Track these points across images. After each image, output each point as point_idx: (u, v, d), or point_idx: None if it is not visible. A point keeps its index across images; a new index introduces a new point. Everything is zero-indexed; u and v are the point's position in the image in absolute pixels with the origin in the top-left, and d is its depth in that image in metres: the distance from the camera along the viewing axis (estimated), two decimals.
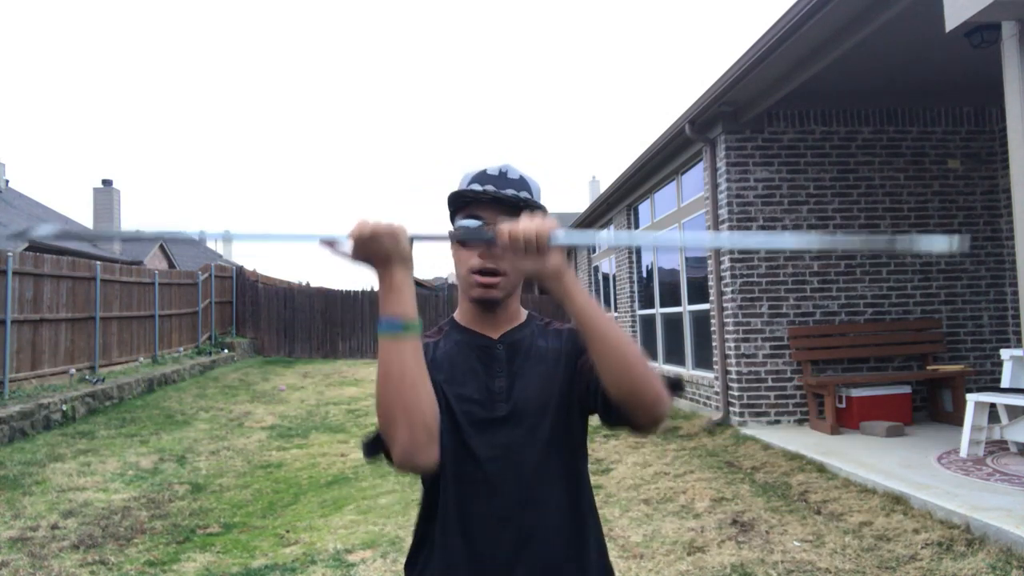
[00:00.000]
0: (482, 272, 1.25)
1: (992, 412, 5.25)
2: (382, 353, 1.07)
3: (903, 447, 5.59)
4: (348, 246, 1.07)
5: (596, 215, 13.42)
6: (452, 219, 1.33)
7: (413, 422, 1.06)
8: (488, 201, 1.26)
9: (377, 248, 1.06)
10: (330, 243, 1.07)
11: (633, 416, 1.16)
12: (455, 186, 1.33)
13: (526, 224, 1.06)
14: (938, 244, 1.00)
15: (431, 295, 20.53)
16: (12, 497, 5.49)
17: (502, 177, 1.28)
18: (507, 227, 1.07)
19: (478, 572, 1.22)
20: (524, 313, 1.39)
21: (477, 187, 1.27)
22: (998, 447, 5.26)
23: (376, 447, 1.15)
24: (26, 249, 14.77)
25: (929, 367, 6.82)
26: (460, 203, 1.30)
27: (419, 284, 29.03)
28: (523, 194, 1.28)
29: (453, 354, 1.31)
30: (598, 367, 1.13)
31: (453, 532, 1.24)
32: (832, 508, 4.25)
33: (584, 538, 1.28)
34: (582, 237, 1.17)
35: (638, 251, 11.07)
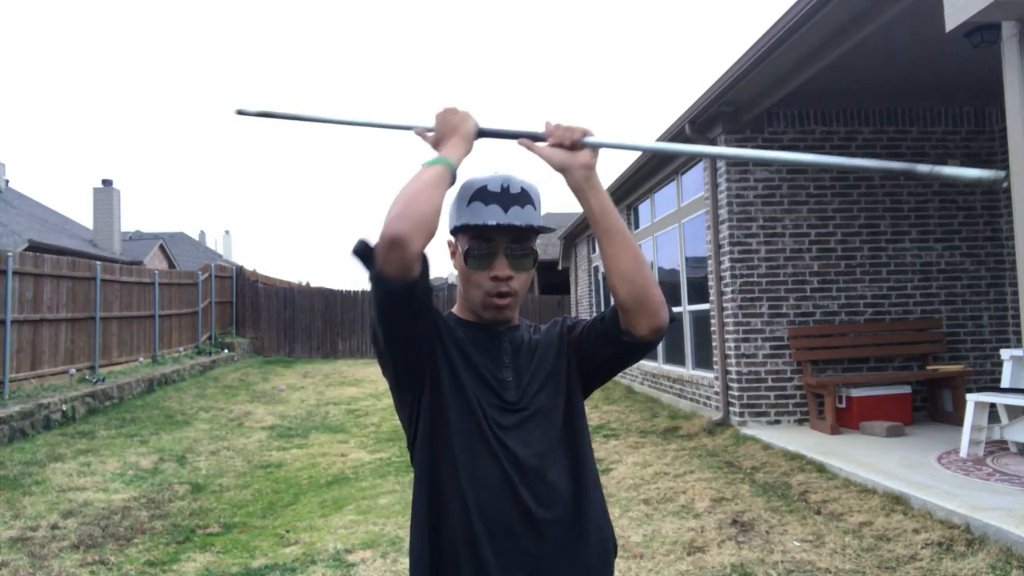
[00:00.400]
0: (499, 295, 1.33)
1: (992, 412, 5.25)
2: (416, 173, 1.22)
3: (903, 447, 5.59)
4: (432, 122, 1.31)
5: None
6: (455, 235, 1.39)
7: (420, 219, 1.15)
8: (495, 226, 1.32)
9: (450, 118, 1.30)
10: (420, 132, 1.34)
11: (638, 324, 1.28)
12: (455, 196, 1.37)
13: (568, 125, 1.26)
14: (968, 173, 0.95)
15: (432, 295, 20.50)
16: (12, 497, 5.49)
17: (504, 194, 1.33)
18: (554, 124, 1.27)
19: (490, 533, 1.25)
20: (517, 318, 1.47)
21: (486, 215, 1.31)
22: (998, 447, 5.26)
23: (368, 251, 1.20)
24: (26, 249, 14.78)
25: (929, 367, 6.82)
26: (471, 198, 1.34)
27: None
28: (530, 218, 1.34)
29: (461, 338, 1.37)
30: (612, 270, 1.27)
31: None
32: (832, 508, 4.25)
33: (586, 517, 1.33)
34: (613, 141, 1.31)
35: None
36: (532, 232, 1.35)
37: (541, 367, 1.37)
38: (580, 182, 1.26)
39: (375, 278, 1.18)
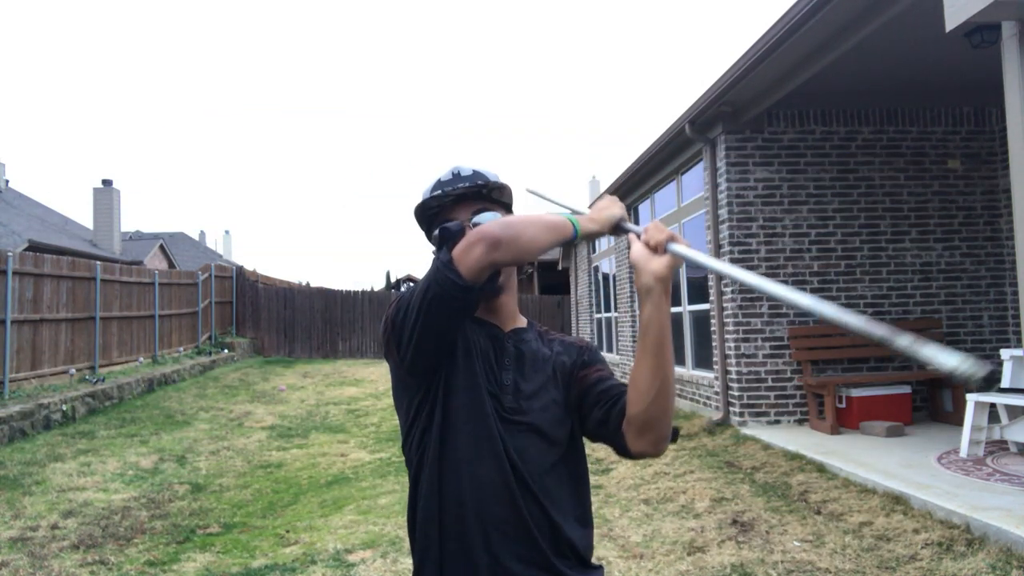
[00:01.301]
0: None
1: (992, 412, 5.25)
2: (548, 214, 1.26)
3: (903, 447, 5.59)
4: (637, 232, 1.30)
5: None
6: (428, 232, 1.39)
7: (520, 238, 1.19)
8: (453, 203, 1.33)
9: (601, 204, 1.35)
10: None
11: (634, 441, 1.24)
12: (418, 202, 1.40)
13: (660, 227, 1.25)
14: (946, 361, 0.89)
15: None
16: (12, 497, 5.49)
17: (456, 178, 1.35)
18: (651, 226, 1.26)
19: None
20: (524, 318, 1.43)
21: (438, 194, 1.34)
22: (998, 447, 5.26)
23: (457, 235, 1.21)
24: (26, 249, 14.78)
25: (929, 367, 6.81)
26: (430, 216, 1.36)
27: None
28: (479, 181, 1.34)
29: (472, 335, 1.33)
30: (635, 383, 1.22)
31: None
32: (832, 508, 4.25)
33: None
34: (695, 256, 1.28)
35: None
36: (486, 191, 1.34)
37: (546, 390, 1.32)
38: (645, 287, 1.24)
39: (446, 263, 1.16)
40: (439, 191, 1.34)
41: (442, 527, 1.25)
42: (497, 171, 1.41)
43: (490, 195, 1.35)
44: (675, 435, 1.28)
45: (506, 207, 1.40)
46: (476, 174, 1.36)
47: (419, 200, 1.36)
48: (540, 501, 1.24)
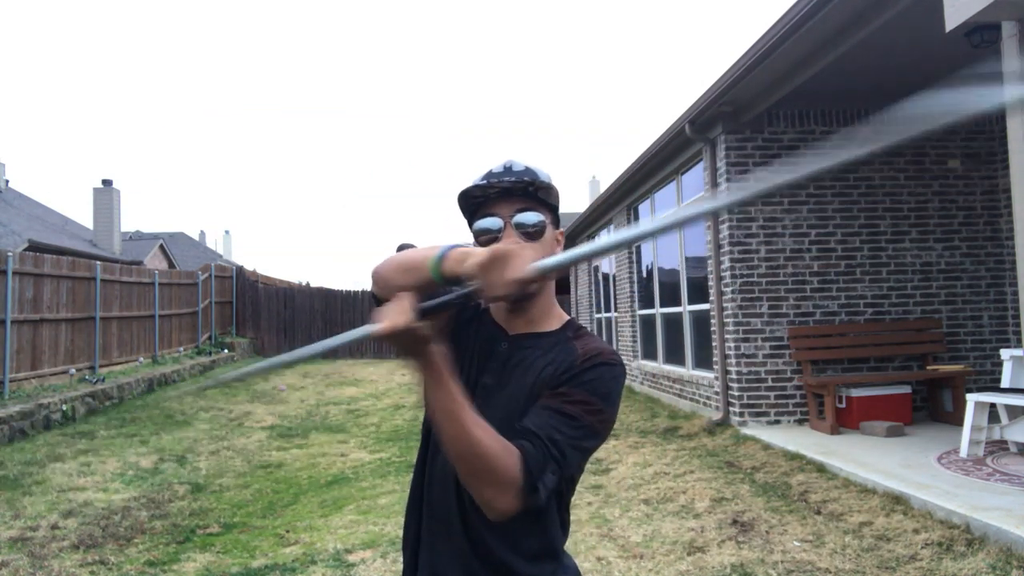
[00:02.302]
0: None
1: (992, 412, 5.25)
2: (411, 256, 1.14)
3: (903, 447, 5.59)
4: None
5: (596, 215, 13.42)
6: (469, 223, 1.31)
7: (386, 292, 1.13)
8: (498, 197, 1.25)
9: (399, 346, 1.01)
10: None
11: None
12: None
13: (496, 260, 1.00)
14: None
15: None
16: (12, 497, 5.49)
17: (507, 172, 1.27)
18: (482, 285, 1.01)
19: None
20: (559, 320, 1.30)
21: (483, 183, 1.26)
22: (998, 447, 5.26)
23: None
24: (26, 249, 14.78)
25: (929, 367, 6.82)
26: (473, 206, 1.29)
27: None
28: (526, 178, 1.25)
29: (470, 337, 1.30)
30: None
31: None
32: (832, 508, 4.25)
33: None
34: (551, 263, 1.03)
35: (638, 251, 11.07)
36: (534, 191, 1.24)
37: (516, 400, 1.19)
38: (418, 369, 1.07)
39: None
40: (485, 181, 1.26)
41: (417, 517, 1.28)
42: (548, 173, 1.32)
43: (536, 194, 1.26)
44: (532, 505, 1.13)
45: (552, 209, 1.30)
46: (527, 171, 1.27)
47: (464, 187, 1.28)
48: (480, 525, 1.16)
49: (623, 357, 11.38)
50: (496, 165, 1.29)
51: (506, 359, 1.24)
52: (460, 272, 1.03)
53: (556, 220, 1.31)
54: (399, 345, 1.01)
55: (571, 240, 16.95)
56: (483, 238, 1.25)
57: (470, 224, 1.30)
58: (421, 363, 1.03)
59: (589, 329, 1.33)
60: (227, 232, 49.86)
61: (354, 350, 18.84)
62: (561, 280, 20.32)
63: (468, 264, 1.01)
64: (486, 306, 1.32)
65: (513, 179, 1.24)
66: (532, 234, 1.23)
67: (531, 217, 1.24)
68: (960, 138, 7.32)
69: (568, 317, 1.32)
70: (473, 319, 1.32)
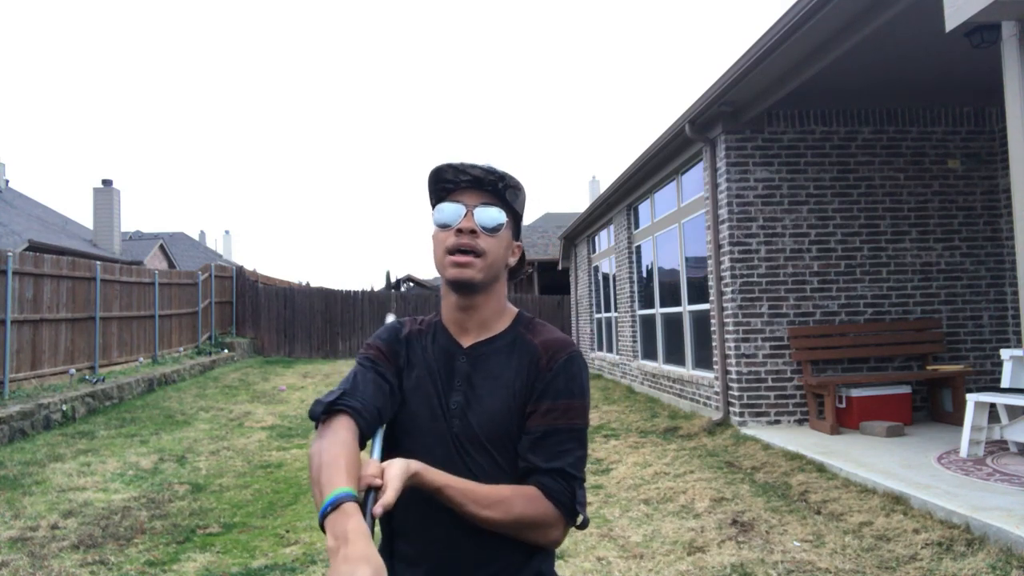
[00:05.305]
0: (458, 251, 1.23)
1: (992, 412, 5.25)
2: (321, 481, 1.02)
3: (903, 447, 5.59)
4: None
5: (596, 215, 13.43)
6: (433, 204, 1.30)
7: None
8: (467, 185, 1.26)
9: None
10: None
11: None
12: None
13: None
14: None
15: (431, 295, 20.52)
16: (12, 497, 5.49)
17: (472, 166, 1.27)
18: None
19: None
20: (509, 316, 1.32)
21: (456, 164, 1.26)
22: (998, 447, 5.26)
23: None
24: (26, 249, 14.78)
25: (929, 367, 6.82)
26: (441, 190, 1.29)
27: (418, 284, 29.02)
28: (501, 171, 1.26)
29: (428, 357, 1.29)
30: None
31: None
32: (832, 508, 4.25)
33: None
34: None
35: (638, 251, 11.07)
36: (504, 188, 1.25)
37: (500, 401, 1.22)
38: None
39: (313, 411, 1.16)
40: (459, 165, 1.26)
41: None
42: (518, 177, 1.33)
43: (503, 193, 1.27)
44: (583, 524, 1.21)
45: (515, 215, 1.31)
46: (503, 172, 1.28)
47: (437, 165, 1.28)
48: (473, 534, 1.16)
49: (623, 357, 11.35)
50: (472, 158, 1.30)
51: (468, 374, 1.25)
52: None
53: (517, 228, 1.33)
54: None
55: (570, 240, 16.96)
56: (441, 234, 1.26)
57: (433, 206, 1.30)
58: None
59: (541, 321, 1.32)
60: (227, 232, 49.89)
61: (354, 350, 18.83)
62: (561, 279, 20.31)
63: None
64: (436, 317, 1.34)
65: (485, 171, 1.25)
66: (489, 231, 1.25)
67: (493, 213, 1.25)
68: (960, 138, 7.32)
69: (516, 310, 1.33)
70: (421, 332, 1.32)
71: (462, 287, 1.25)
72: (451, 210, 1.25)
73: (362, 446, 1.13)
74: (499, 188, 1.26)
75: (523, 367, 1.23)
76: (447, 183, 1.28)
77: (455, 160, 1.28)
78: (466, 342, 1.28)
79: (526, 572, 1.21)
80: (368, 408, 1.15)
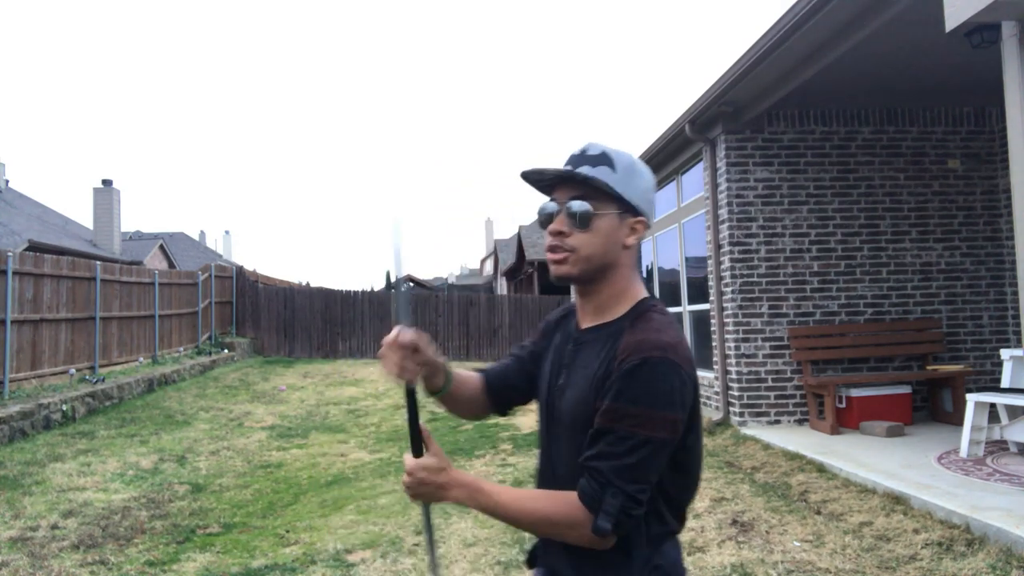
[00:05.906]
0: (550, 249, 1.28)
1: (992, 412, 5.25)
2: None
3: (903, 447, 5.59)
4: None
5: None
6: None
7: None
8: (556, 182, 1.29)
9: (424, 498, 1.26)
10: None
11: None
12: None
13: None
14: None
15: (431, 295, 20.51)
16: (12, 497, 5.49)
17: (581, 156, 1.26)
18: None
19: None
20: (628, 303, 1.29)
21: (532, 172, 1.30)
22: (998, 447, 5.26)
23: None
24: (26, 249, 14.78)
25: (929, 367, 6.82)
26: (539, 189, 1.35)
27: (419, 284, 29.01)
28: (582, 169, 1.24)
29: (559, 337, 1.41)
30: None
31: None
32: (832, 508, 4.25)
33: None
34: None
35: (638, 250, 11.06)
36: (584, 185, 1.23)
37: (582, 397, 1.25)
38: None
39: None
40: (532, 172, 1.29)
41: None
42: (629, 152, 1.31)
43: (592, 181, 1.23)
44: (602, 533, 1.20)
45: (613, 197, 1.25)
46: (603, 156, 1.25)
47: (522, 171, 1.30)
48: None
49: None
50: (577, 147, 1.30)
51: (572, 360, 1.31)
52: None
53: (626, 205, 1.26)
54: (425, 498, 1.24)
55: None
56: (540, 219, 1.32)
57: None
58: (449, 500, 1.23)
59: (656, 313, 1.26)
60: (227, 232, 49.90)
61: (354, 350, 18.86)
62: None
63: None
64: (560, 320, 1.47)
65: (556, 173, 1.27)
66: (579, 226, 1.25)
67: (579, 207, 1.25)
68: (960, 138, 7.32)
69: (640, 297, 1.30)
70: (566, 316, 1.44)
71: (562, 281, 1.31)
72: (545, 209, 1.30)
73: (491, 395, 1.47)
74: (579, 181, 1.24)
75: (605, 361, 1.22)
76: (536, 183, 1.33)
77: (531, 167, 1.29)
78: (584, 325, 1.34)
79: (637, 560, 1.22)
80: (495, 373, 1.49)
